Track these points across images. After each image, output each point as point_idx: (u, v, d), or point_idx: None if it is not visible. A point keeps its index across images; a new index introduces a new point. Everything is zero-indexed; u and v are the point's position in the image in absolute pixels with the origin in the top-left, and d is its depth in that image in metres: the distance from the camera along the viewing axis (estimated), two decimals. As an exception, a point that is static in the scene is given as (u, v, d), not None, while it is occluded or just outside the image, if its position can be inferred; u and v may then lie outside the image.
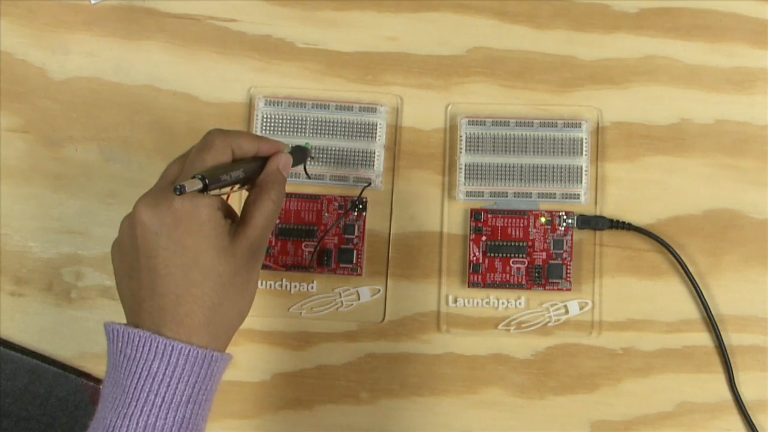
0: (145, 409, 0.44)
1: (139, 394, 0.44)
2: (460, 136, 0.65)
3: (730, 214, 0.64)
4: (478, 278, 0.63)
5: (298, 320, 0.64)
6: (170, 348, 0.45)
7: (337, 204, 0.64)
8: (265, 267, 0.63)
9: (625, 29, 0.67)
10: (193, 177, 0.46)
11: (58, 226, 0.65)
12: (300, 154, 0.58)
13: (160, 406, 0.45)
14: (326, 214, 0.64)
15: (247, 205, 0.50)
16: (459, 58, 0.66)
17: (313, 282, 0.64)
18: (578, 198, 0.64)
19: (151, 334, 0.45)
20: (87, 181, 0.65)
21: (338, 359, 0.63)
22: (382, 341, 0.63)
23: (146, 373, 0.45)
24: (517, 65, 0.66)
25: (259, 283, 0.63)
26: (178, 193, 0.44)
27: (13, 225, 0.65)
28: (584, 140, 0.64)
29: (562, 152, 0.64)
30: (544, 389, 0.63)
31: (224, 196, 0.50)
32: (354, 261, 0.63)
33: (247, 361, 0.63)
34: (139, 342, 0.45)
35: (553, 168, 0.64)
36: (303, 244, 0.64)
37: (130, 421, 0.44)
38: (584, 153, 0.64)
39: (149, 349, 0.45)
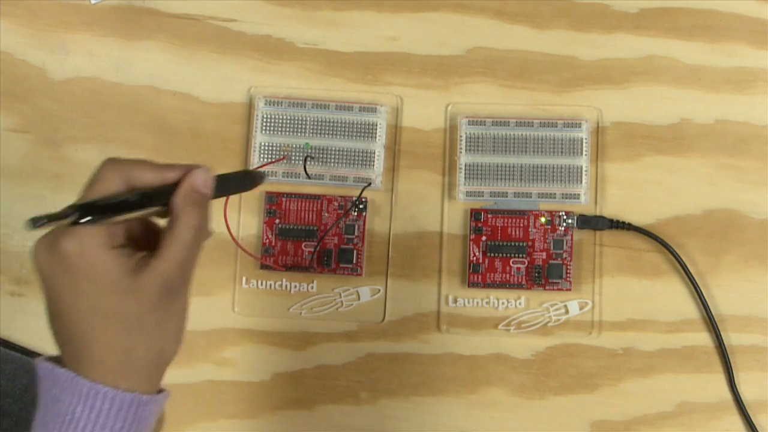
0: None
1: None
2: (460, 136, 0.65)
3: (730, 214, 0.64)
4: (478, 278, 0.63)
5: (298, 320, 0.64)
6: (93, 392, 0.41)
7: (337, 204, 0.64)
8: (265, 267, 0.63)
9: (625, 29, 0.66)
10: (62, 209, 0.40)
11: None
12: (244, 180, 0.50)
13: None
14: (326, 214, 0.64)
15: (163, 235, 0.43)
16: (459, 58, 0.66)
17: (313, 282, 0.64)
18: (578, 198, 0.64)
19: (75, 376, 0.41)
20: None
21: (338, 359, 0.63)
22: (382, 341, 0.63)
23: (69, 417, 0.41)
24: (517, 65, 0.66)
25: (260, 282, 0.63)
26: (33, 226, 0.38)
27: (13, 225, 0.65)
28: (584, 140, 0.64)
29: (562, 152, 0.64)
30: (544, 389, 0.63)
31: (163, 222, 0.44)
32: (354, 261, 0.63)
33: (247, 361, 0.63)
34: (64, 383, 0.41)
35: (553, 168, 0.64)
36: (303, 244, 0.64)
37: None
38: (584, 153, 0.64)
39: (72, 392, 0.41)
